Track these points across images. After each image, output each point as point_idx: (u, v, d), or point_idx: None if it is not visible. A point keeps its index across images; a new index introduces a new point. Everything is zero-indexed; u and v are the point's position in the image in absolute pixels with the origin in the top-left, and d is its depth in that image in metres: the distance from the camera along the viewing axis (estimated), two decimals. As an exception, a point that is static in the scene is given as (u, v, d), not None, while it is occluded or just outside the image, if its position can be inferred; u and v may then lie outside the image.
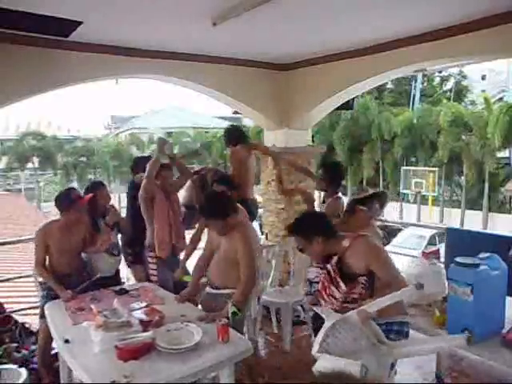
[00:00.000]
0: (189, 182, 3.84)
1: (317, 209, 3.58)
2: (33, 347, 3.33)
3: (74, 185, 21.34)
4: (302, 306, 3.87)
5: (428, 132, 17.05)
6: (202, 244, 3.36)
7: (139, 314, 2.42)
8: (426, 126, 17.14)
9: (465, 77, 23.89)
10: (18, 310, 3.84)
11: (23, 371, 2.61)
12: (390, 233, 11.77)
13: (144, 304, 2.67)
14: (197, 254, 3.18)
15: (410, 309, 2.55)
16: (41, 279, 3.28)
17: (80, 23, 2.99)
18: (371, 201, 2.87)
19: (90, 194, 3.19)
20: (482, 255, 2.30)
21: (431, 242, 12.19)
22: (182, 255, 3.51)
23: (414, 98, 21.82)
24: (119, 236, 3.50)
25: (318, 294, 2.25)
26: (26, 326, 3.62)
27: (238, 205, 3.51)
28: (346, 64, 4.09)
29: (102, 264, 3.25)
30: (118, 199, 17.38)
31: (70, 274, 3.04)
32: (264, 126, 5.07)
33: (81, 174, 21.55)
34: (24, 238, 4.72)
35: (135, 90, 52.22)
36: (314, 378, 1.72)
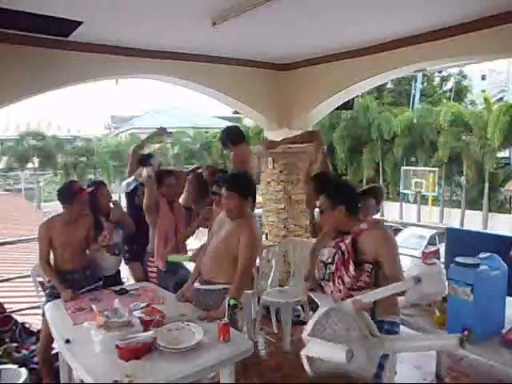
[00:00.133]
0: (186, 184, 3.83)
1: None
2: (33, 347, 3.33)
3: (74, 185, 21.32)
4: (302, 305, 3.87)
5: (428, 132, 17.04)
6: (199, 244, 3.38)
7: (140, 314, 2.42)
8: (426, 125, 17.13)
9: (465, 77, 23.87)
10: (18, 310, 3.84)
11: (23, 371, 2.61)
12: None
13: (144, 304, 2.67)
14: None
15: (410, 309, 2.55)
16: (39, 279, 3.28)
17: (80, 23, 2.99)
18: (365, 197, 2.82)
19: (91, 188, 3.21)
20: (481, 255, 2.30)
21: (431, 242, 12.18)
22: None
23: (414, 98, 21.82)
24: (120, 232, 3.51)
25: (331, 276, 2.19)
26: (26, 325, 3.62)
27: None
28: (346, 64, 4.10)
29: (105, 263, 3.26)
30: (119, 199, 17.35)
31: (73, 271, 3.02)
32: (264, 126, 5.08)
33: (81, 174, 21.53)
34: (24, 238, 4.71)
35: (135, 89, 52.39)
36: (314, 377, 1.72)
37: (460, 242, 3.13)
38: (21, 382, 2.51)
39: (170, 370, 1.96)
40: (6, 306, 3.73)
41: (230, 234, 2.62)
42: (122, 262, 3.54)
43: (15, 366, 2.73)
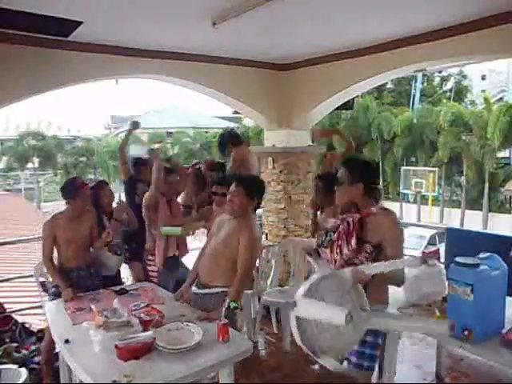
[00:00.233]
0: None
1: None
2: (33, 347, 3.34)
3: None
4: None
5: (428, 132, 17.04)
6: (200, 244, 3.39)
7: (139, 314, 2.42)
8: (426, 125, 17.13)
9: (465, 77, 23.88)
10: (18, 310, 3.84)
11: (23, 371, 2.61)
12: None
13: (144, 304, 2.67)
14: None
15: (410, 309, 2.55)
16: (41, 279, 3.29)
17: (80, 23, 2.99)
18: None
19: (94, 183, 3.33)
20: (482, 255, 2.30)
21: (431, 242, 12.19)
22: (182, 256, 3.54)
23: (414, 98, 21.81)
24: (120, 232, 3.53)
25: (330, 243, 2.19)
26: (26, 325, 3.63)
27: None
28: (346, 64, 4.10)
29: (107, 262, 3.29)
30: (119, 199, 17.35)
31: (78, 269, 3.05)
32: (264, 126, 5.08)
33: (81, 174, 21.49)
34: (24, 238, 4.73)
35: (135, 89, 52.24)
36: (314, 377, 1.72)
37: (460, 242, 3.13)
38: (21, 382, 2.51)
39: (169, 371, 1.96)
40: (6, 305, 3.73)
41: (229, 235, 2.61)
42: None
43: (15, 366, 2.73)
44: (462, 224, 16.60)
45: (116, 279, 3.39)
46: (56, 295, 2.95)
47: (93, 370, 1.98)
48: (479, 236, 3.41)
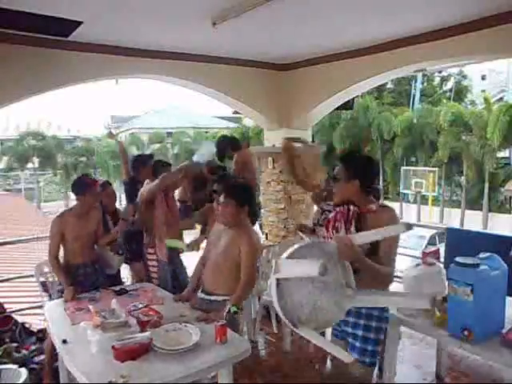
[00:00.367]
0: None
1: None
2: (33, 347, 3.33)
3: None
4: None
5: (428, 132, 17.03)
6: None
7: (137, 315, 2.42)
8: (426, 125, 17.13)
9: (465, 77, 23.88)
10: (18, 310, 3.84)
11: (23, 371, 2.61)
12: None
13: (143, 304, 2.67)
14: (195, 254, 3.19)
15: (410, 309, 2.55)
16: (42, 279, 3.29)
17: (80, 23, 2.99)
18: None
19: (102, 180, 3.40)
20: (482, 255, 2.30)
21: (431, 242, 12.17)
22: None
23: (414, 98, 21.81)
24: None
25: (325, 222, 2.17)
26: (26, 325, 3.62)
27: None
28: (346, 64, 4.10)
29: (111, 261, 3.34)
30: (119, 199, 17.38)
31: (85, 266, 3.09)
32: (264, 126, 5.08)
33: (81, 174, 21.54)
34: (24, 238, 4.73)
35: (135, 89, 52.30)
36: (314, 377, 1.72)
37: (460, 242, 3.14)
38: (21, 382, 2.51)
39: (166, 371, 1.95)
40: (6, 305, 3.73)
41: (229, 245, 2.63)
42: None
43: (15, 366, 2.73)
44: (462, 224, 16.59)
45: (116, 279, 3.42)
46: (62, 292, 2.98)
47: (89, 370, 1.97)
48: (479, 236, 3.41)
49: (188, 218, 3.72)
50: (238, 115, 19.93)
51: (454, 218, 17.34)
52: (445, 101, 20.32)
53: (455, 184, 19.66)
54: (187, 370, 1.98)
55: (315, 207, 3.62)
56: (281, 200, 4.79)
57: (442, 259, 3.10)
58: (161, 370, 1.96)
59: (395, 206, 18.46)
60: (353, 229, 2.06)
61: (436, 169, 16.96)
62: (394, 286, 2.48)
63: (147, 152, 18.71)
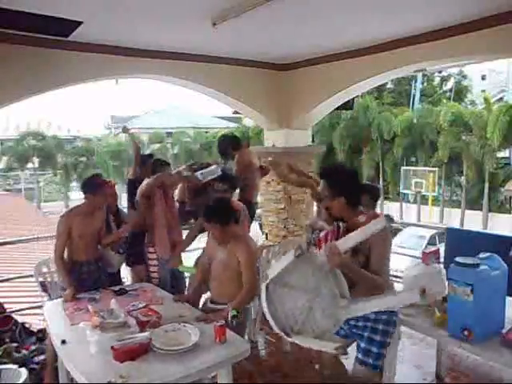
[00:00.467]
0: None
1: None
2: (33, 347, 3.33)
3: (74, 185, 21.45)
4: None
5: (428, 132, 17.01)
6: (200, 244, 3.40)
7: (136, 315, 2.42)
8: (426, 125, 17.11)
9: (465, 77, 23.87)
10: (18, 310, 3.84)
11: (23, 371, 2.61)
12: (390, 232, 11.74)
13: (142, 304, 2.67)
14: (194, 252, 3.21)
15: (410, 309, 2.55)
16: (41, 279, 3.29)
17: (80, 23, 2.99)
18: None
19: (113, 182, 3.42)
20: (481, 255, 2.30)
21: (431, 242, 12.16)
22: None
23: (414, 98, 21.80)
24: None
25: (316, 240, 2.20)
26: (26, 325, 3.62)
27: (240, 203, 3.53)
28: (346, 64, 4.10)
29: (111, 260, 3.36)
30: (120, 199, 17.37)
31: (89, 263, 3.13)
32: (264, 126, 5.08)
33: (81, 174, 21.45)
34: (24, 238, 4.73)
35: (135, 89, 52.01)
36: (314, 377, 1.72)
37: (460, 242, 3.13)
38: (21, 381, 2.51)
39: (166, 371, 1.95)
40: (6, 305, 3.73)
41: (227, 258, 2.76)
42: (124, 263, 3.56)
43: (15, 366, 2.73)
44: (462, 224, 16.58)
45: (116, 278, 3.44)
46: (65, 290, 2.98)
47: (88, 370, 1.97)
48: (479, 236, 3.41)
49: (186, 219, 3.73)
50: (238, 115, 19.93)
51: (454, 218, 17.34)
52: (445, 101, 20.31)
53: (455, 184, 19.65)
54: (187, 370, 1.98)
55: (315, 207, 3.62)
56: (281, 200, 4.80)
57: (442, 259, 3.09)
58: (160, 370, 1.96)
59: (395, 205, 18.49)
60: None
61: (436, 169, 16.95)
62: (395, 287, 2.48)
63: (147, 152, 18.74)
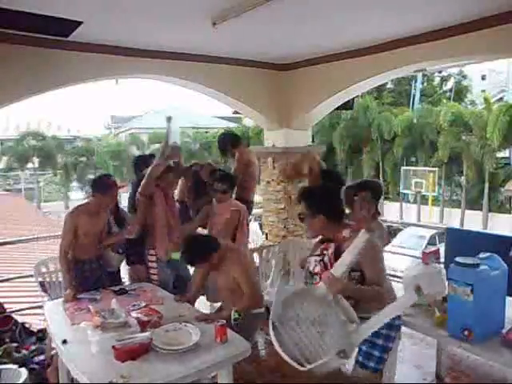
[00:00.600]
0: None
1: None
2: (33, 347, 3.33)
3: (74, 185, 21.47)
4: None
5: (428, 132, 17.02)
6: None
7: (137, 314, 2.42)
8: (426, 125, 17.12)
9: (465, 77, 23.87)
10: (18, 310, 3.84)
11: (23, 371, 2.61)
12: (390, 233, 11.75)
13: (143, 304, 2.67)
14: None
15: (410, 309, 2.54)
16: (40, 279, 3.29)
17: (80, 23, 2.99)
18: (360, 191, 2.84)
19: (123, 183, 3.46)
20: (481, 255, 2.30)
21: (431, 242, 12.17)
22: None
23: (414, 98, 21.79)
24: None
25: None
26: (26, 325, 3.63)
27: (240, 204, 3.54)
28: (346, 64, 4.09)
29: (111, 260, 3.37)
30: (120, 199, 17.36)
31: (91, 261, 3.16)
32: (264, 126, 5.07)
33: (81, 173, 21.51)
34: (24, 238, 4.73)
35: (135, 89, 51.95)
36: (313, 377, 1.72)
37: (460, 242, 3.14)
38: (21, 381, 2.51)
39: (167, 371, 1.96)
40: (6, 305, 3.73)
41: (224, 276, 2.81)
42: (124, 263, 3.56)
43: (15, 366, 2.73)
44: (462, 224, 16.59)
45: (115, 278, 3.44)
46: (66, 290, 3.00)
47: (89, 370, 1.98)
48: (479, 236, 3.42)
49: (187, 219, 3.73)
50: (238, 115, 19.93)
51: (454, 218, 17.34)
52: (445, 101, 20.32)
53: (455, 184, 19.65)
54: (187, 369, 1.98)
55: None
56: (281, 200, 4.79)
57: (442, 259, 3.09)
58: (161, 369, 1.97)
59: (395, 206, 18.49)
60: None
61: (436, 169, 16.95)
62: (394, 286, 2.48)
63: (147, 152, 18.73)
